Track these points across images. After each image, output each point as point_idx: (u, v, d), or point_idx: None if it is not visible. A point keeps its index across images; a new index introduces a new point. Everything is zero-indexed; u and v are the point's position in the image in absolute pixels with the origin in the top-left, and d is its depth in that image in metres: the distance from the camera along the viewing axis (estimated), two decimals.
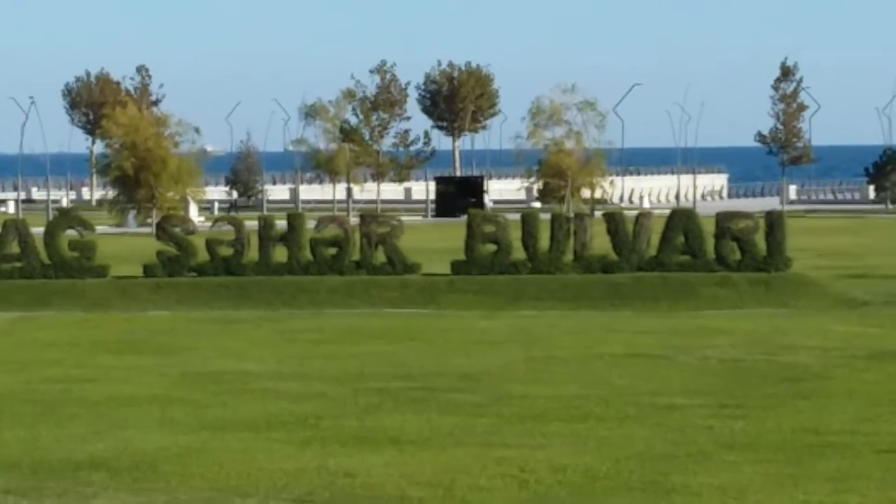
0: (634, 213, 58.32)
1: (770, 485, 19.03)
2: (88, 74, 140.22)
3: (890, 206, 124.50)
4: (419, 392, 30.45)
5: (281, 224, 55.35)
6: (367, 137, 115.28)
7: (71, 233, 54.04)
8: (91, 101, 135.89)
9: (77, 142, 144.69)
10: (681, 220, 52.22)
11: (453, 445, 23.00)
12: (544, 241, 52.63)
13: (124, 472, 20.56)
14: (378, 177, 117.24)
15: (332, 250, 53.05)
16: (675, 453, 22.05)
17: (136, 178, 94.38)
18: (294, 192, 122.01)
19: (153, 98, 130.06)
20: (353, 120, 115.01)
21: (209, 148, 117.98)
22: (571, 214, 60.46)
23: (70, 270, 52.80)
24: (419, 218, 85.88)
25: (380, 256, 52.93)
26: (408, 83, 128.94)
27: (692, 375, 34.43)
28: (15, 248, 50.63)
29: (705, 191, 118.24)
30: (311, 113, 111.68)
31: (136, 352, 40.83)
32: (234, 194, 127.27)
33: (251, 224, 54.85)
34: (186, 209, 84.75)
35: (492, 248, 52.91)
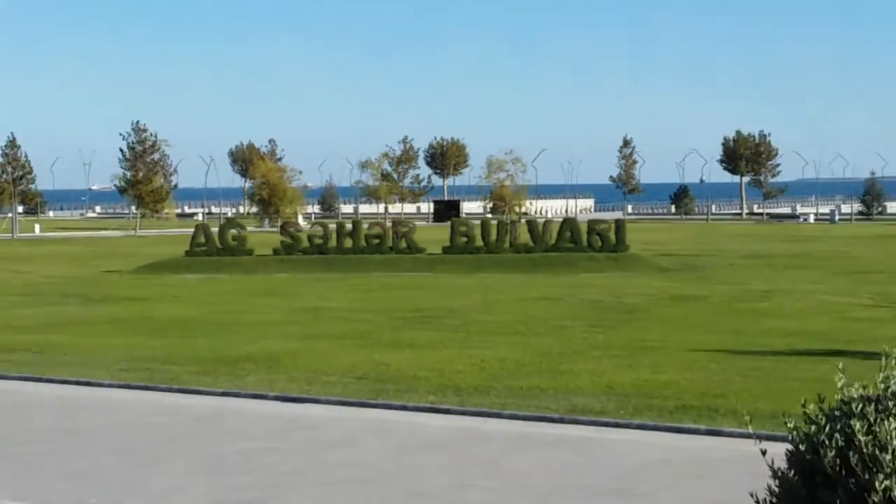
0: (542, 220, 77.13)
1: (617, 368, 29.22)
2: (242, 144, 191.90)
3: (684, 217, 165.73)
4: (424, 319, 41.85)
5: (348, 226, 75.57)
6: (395, 178, 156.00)
7: (232, 231, 72.74)
8: (244, 158, 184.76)
9: (237, 180, 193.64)
10: (568, 224, 71.22)
11: (443, 348, 33.84)
12: (493, 235, 69.76)
13: (263, 363, 31.24)
14: (401, 200, 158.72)
15: (376, 240, 71.18)
16: (565, 351, 32.76)
17: (269, 200, 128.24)
18: (356, 209, 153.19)
19: (279, 156, 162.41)
20: (388, 168, 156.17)
21: (308, 184, 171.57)
22: (508, 221, 76.42)
23: (233, 251, 69.92)
24: (424, 223, 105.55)
25: (402, 244, 70.76)
26: (419, 148, 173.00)
27: (575, 309, 45.90)
28: (202, 239, 66.56)
29: (581, 208, 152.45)
30: (364, 165, 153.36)
31: (269, 296, 52.83)
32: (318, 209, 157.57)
33: (332, 226, 74.71)
34: (296, 218, 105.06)
35: (464, 239, 71.00)
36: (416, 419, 23.89)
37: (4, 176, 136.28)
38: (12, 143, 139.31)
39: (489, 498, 17.72)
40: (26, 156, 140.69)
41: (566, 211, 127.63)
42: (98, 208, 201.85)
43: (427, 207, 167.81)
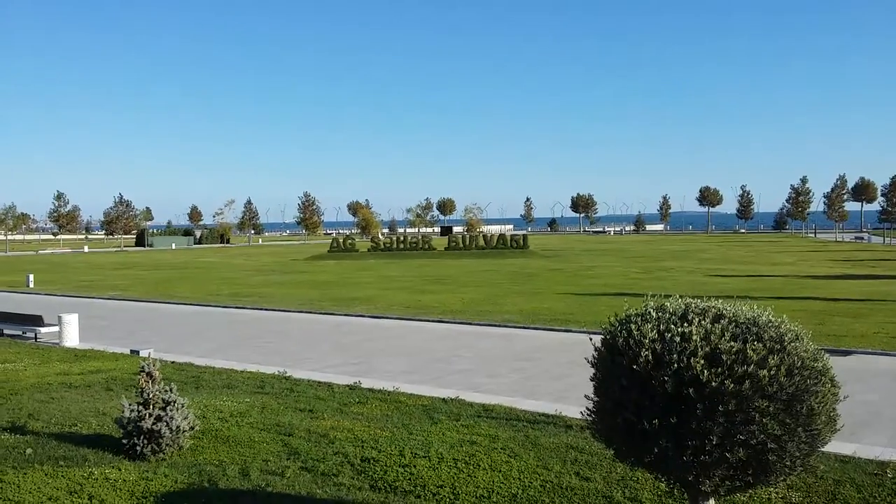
0: (489, 234, 78.80)
1: (523, 302, 29.02)
2: (357, 202, 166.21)
3: (554, 232, 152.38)
4: (435, 280, 41.14)
5: (401, 237, 76.30)
6: (422, 215, 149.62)
7: (349, 240, 75.47)
8: (354, 206, 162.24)
9: (349, 216, 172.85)
10: (501, 236, 77.72)
11: (444, 293, 33.36)
12: (467, 241, 73.33)
13: (362, 300, 30.80)
14: (424, 226, 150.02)
15: (413, 244, 69.97)
16: (499, 294, 32.39)
17: (365, 226, 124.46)
18: (404, 230, 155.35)
19: (370, 205, 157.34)
20: (419, 211, 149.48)
21: (382, 218, 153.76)
22: (473, 234, 76.52)
23: (348, 249, 69.37)
24: (436, 237, 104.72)
25: (424, 245, 68.76)
26: (432, 202, 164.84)
27: (503, 275, 44.74)
28: (335, 244, 66.98)
29: (506, 229, 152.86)
30: (408, 210, 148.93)
31: (364, 270, 52.21)
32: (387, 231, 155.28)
33: (393, 238, 74.29)
34: (378, 234, 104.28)
35: (454, 243, 69.69)
36: (432, 325, 23.87)
37: (246, 216, 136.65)
38: (247, 204, 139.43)
39: (470, 358, 17.77)
40: (255, 207, 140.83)
41: (500, 230, 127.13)
42: (287, 231, 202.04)
43: (437, 230, 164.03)
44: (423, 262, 58.85)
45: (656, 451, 5.78)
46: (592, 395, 6.36)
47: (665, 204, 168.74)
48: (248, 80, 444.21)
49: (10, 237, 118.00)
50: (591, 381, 6.29)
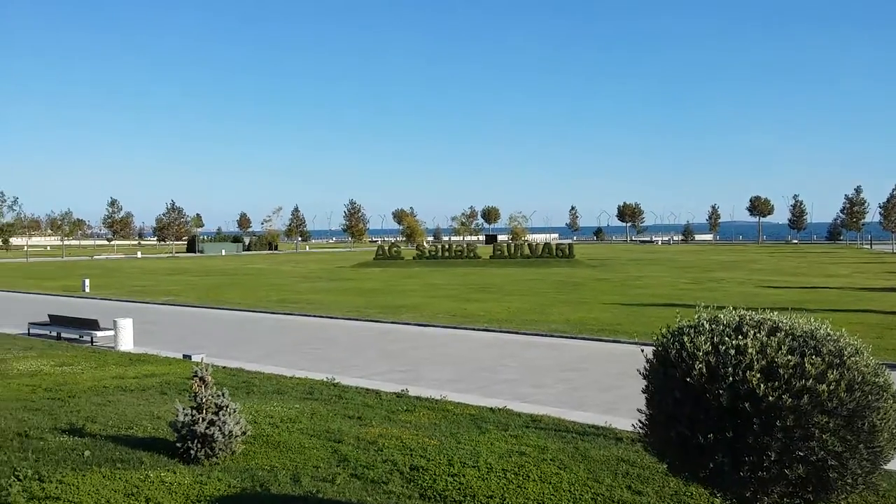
0: (534, 243, 76.67)
1: (570, 311, 28.76)
2: (402, 209, 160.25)
3: (601, 242, 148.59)
4: (480, 288, 40.83)
5: (446, 246, 77.37)
6: (466, 224, 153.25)
7: (394, 248, 74.09)
8: (399, 214, 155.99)
9: (394, 224, 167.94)
10: (546, 245, 69.10)
11: (489, 302, 33.16)
12: (512, 250, 70.05)
13: (408, 308, 30.77)
14: (468, 234, 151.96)
15: (458, 252, 69.51)
16: (545, 303, 32.08)
17: (410, 234, 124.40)
18: (449, 239, 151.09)
19: (415, 213, 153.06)
20: (463, 219, 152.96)
21: (426, 226, 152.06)
22: (519, 243, 75.88)
23: (393, 257, 68.91)
24: (481, 245, 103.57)
25: (469, 253, 68.16)
26: (476, 211, 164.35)
27: (549, 284, 44.25)
28: (380, 252, 67.61)
29: (551, 238, 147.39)
30: (454, 218, 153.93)
31: (410, 278, 52.07)
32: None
33: (438, 246, 73.37)
34: (423, 242, 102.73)
35: (499, 251, 68.87)
36: (478, 334, 23.81)
37: (293, 223, 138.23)
38: (294, 211, 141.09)
39: (516, 367, 17.71)
40: (303, 214, 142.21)
41: (545, 239, 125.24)
42: (333, 238, 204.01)
43: (482, 238, 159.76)
44: (467, 270, 58.77)
45: (712, 466, 5.70)
46: (644, 408, 6.31)
47: (714, 213, 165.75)
48: (294, 90, 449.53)
49: (66, 242, 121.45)
50: (643, 393, 6.23)
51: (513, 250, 69.16)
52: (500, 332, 24.08)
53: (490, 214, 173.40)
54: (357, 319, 27.90)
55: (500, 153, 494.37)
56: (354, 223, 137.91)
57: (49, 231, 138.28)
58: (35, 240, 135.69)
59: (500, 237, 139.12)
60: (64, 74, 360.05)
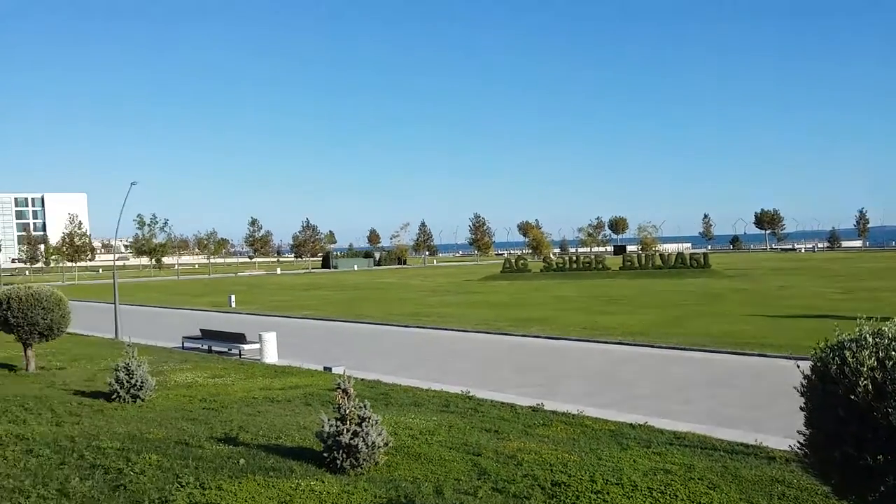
0: (666, 252, 70.67)
1: (710, 324, 27.51)
2: (527, 222, 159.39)
3: (736, 251, 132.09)
4: (611, 300, 39.61)
5: (573, 258, 71.16)
6: (593, 235, 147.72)
7: (520, 260, 71.61)
8: (525, 227, 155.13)
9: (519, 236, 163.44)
10: (679, 254, 69.24)
11: (622, 315, 32.18)
12: (643, 260, 65.69)
13: (537, 321, 30.22)
14: (595, 245, 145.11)
15: (586, 264, 65.73)
16: (680, 316, 30.58)
17: (536, 246, 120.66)
18: (576, 250, 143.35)
19: (540, 225, 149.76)
20: (590, 230, 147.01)
21: (552, 238, 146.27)
22: (650, 253, 72.25)
23: (520, 269, 67.70)
24: (609, 256, 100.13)
25: (597, 264, 65.51)
26: (603, 221, 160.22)
27: (685, 295, 43.17)
28: (507, 264, 65.98)
29: (684, 247, 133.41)
30: (580, 229, 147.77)
31: (538, 290, 52.50)
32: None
33: (565, 258, 69.96)
34: (549, 254, 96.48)
35: (629, 262, 66.08)
36: (612, 347, 23.32)
37: (421, 237, 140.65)
38: (422, 226, 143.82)
39: (655, 382, 17.22)
40: (429, 229, 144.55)
41: (677, 248, 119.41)
42: (459, 252, 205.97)
43: (609, 249, 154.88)
44: (596, 282, 57.68)
45: (882, 489, 5.33)
46: (803, 426, 5.98)
47: (862, 218, 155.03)
48: (419, 108, 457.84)
49: (212, 261, 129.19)
50: (802, 410, 5.90)
51: (644, 261, 67.22)
52: (635, 345, 23.47)
53: (617, 225, 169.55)
54: (487, 332, 28.00)
55: (625, 161, 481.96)
56: (480, 237, 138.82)
57: (196, 250, 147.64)
58: (184, 258, 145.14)
59: (629, 248, 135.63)
60: (216, 101, 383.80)
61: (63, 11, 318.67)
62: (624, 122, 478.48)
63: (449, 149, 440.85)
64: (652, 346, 23.01)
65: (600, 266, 67.70)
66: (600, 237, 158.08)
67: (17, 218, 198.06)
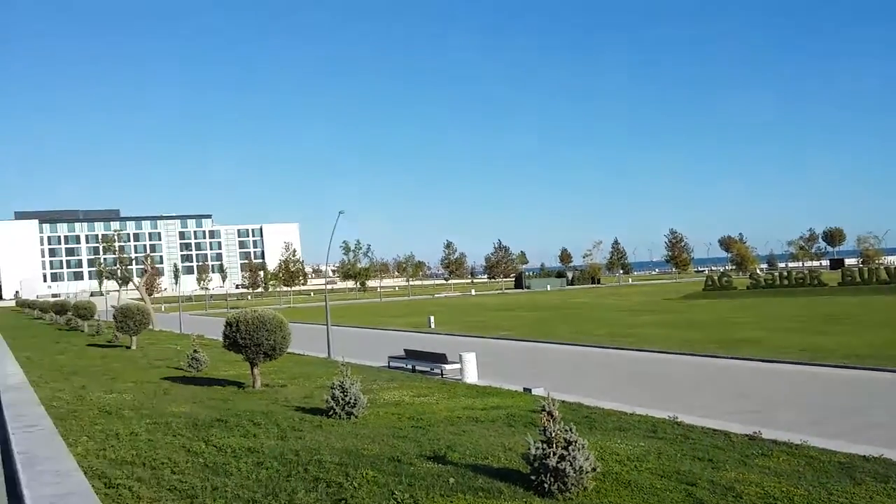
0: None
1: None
2: (729, 236, 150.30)
3: None
4: (833, 321, 36.10)
5: (784, 274, 64.44)
6: (805, 248, 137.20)
7: (724, 278, 66.31)
8: (726, 242, 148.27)
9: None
10: None
11: (846, 335, 29.49)
12: (865, 275, 57.02)
13: (746, 343, 28.46)
14: (808, 259, 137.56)
15: (799, 279, 60.16)
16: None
17: (740, 262, 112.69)
18: (785, 265, 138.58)
19: (744, 239, 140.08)
20: (801, 243, 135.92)
21: (758, 252, 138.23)
22: (873, 266, 63.81)
23: (723, 287, 64.21)
24: (825, 271, 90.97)
25: (812, 280, 59.29)
26: (816, 233, 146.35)
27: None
28: (709, 281, 62.03)
29: None
30: (790, 243, 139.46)
31: (745, 309, 48.50)
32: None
33: (774, 274, 64.64)
34: (756, 269, 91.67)
35: (848, 277, 58.95)
36: (837, 371, 21.37)
37: (614, 256, 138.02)
38: (614, 244, 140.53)
39: (888, 409, 15.53)
40: (623, 247, 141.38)
41: None
42: (656, 270, 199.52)
43: (825, 262, 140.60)
44: (811, 299, 53.24)
45: None
46: None
47: None
48: (613, 128, 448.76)
49: (411, 283, 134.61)
50: None
51: (867, 275, 61.03)
52: (863, 368, 21.37)
53: (833, 236, 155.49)
54: (692, 354, 26.79)
55: (839, 166, 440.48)
56: (677, 253, 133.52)
57: (396, 273, 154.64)
58: (385, 281, 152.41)
59: (848, 261, 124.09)
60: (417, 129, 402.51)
61: (300, 70, 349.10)
62: (830, 123, 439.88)
63: (641, 164, 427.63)
64: (883, 370, 20.83)
65: (815, 282, 62.40)
66: (813, 250, 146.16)
67: (239, 248, 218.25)
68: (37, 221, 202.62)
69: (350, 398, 14.99)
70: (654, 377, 21.88)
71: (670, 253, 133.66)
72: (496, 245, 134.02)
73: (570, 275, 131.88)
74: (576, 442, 9.81)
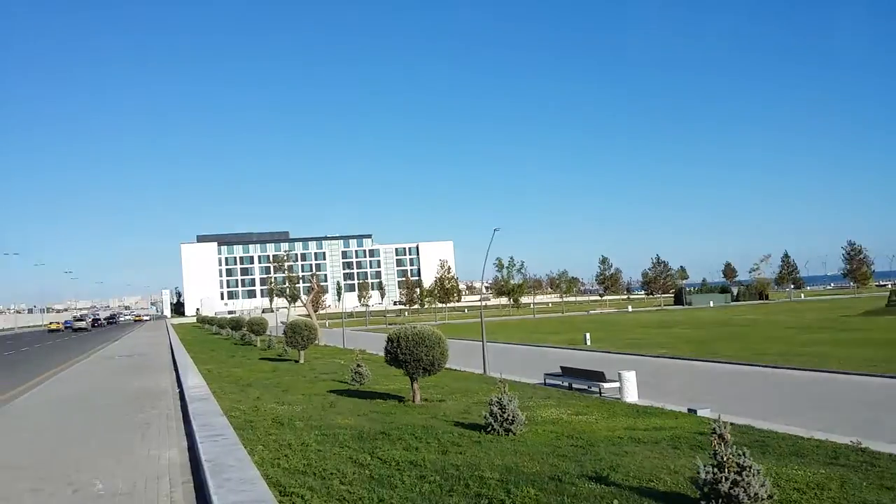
0: None
1: None
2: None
3: None
4: None
5: None
6: None
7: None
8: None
9: None
10: None
11: None
12: None
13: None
14: None
15: None
16: None
17: None
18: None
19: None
20: None
21: None
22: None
23: None
24: None
25: None
26: None
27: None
28: (893, 297, 56.71)
29: None
30: None
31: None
32: None
33: None
34: None
35: None
36: None
37: (784, 270, 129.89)
38: (784, 258, 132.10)
39: None
40: (794, 260, 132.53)
41: None
42: (831, 284, 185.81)
43: None
44: None
45: None
46: None
47: None
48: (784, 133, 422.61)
49: (564, 299, 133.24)
50: None
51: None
52: None
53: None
54: (874, 375, 24.72)
55: None
56: (856, 266, 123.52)
57: (549, 289, 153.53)
58: (539, 297, 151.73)
59: None
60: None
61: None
62: None
63: (814, 165, 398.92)
64: None
65: None
66: None
67: (397, 265, 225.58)
68: (216, 244, 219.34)
69: (508, 415, 14.98)
70: (833, 399, 20.34)
71: (848, 266, 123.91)
72: (654, 260, 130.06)
73: (734, 290, 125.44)
74: (750, 467, 9.29)
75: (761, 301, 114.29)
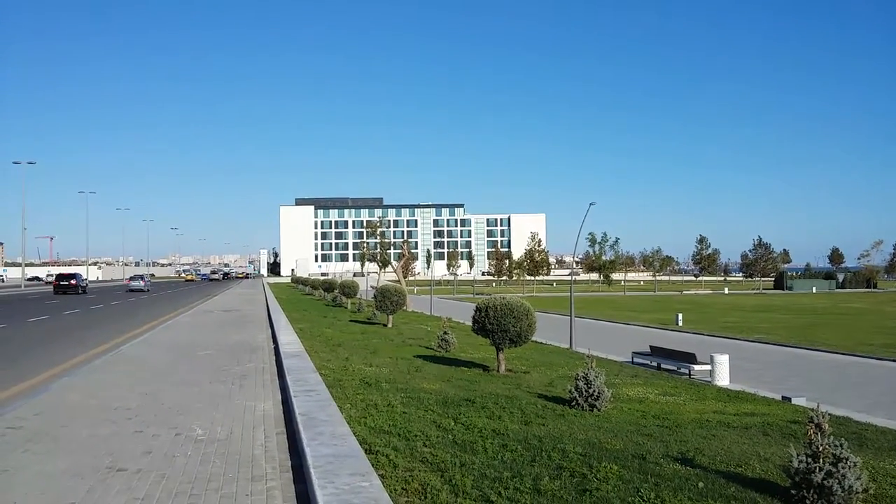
0: None
1: None
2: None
3: None
4: None
5: None
6: None
7: None
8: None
9: None
10: None
11: None
12: None
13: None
14: None
15: None
16: None
17: None
18: None
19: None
20: None
21: None
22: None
23: None
24: None
25: None
26: None
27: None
28: None
29: None
30: None
31: None
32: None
33: None
34: None
35: None
36: None
37: (894, 258, 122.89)
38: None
39: None
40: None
41: None
42: None
43: None
44: None
45: None
46: None
47: None
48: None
49: (657, 278, 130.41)
50: None
51: None
52: None
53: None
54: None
55: None
56: None
57: (641, 267, 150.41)
58: (630, 275, 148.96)
59: None
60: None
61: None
62: None
63: None
64: None
65: None
66: None
67: (487, 236, 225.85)
68: (313, 207, 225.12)
69: (594, 390, 14.90)
70: None
71: None
72: (755, 241, 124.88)
73: (840, 277, 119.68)
74: (846, 459, 8.95)
75: (868, 290, 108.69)
